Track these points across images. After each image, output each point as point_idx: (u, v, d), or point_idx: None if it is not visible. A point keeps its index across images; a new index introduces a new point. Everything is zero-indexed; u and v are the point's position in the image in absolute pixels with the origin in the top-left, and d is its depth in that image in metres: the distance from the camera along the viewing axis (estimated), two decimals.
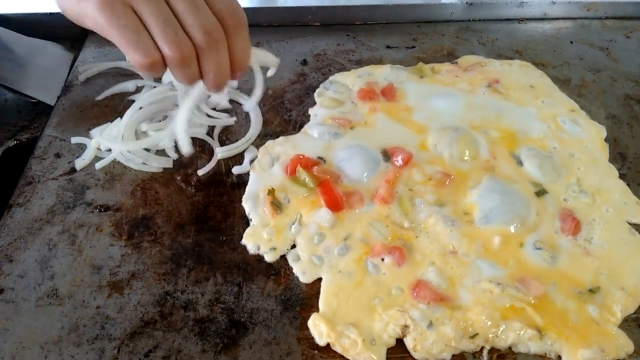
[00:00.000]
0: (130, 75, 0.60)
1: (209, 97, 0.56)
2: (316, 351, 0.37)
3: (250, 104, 0.54)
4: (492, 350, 0.37)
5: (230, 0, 0.40)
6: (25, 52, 0.62)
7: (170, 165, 0.51)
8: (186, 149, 0.43)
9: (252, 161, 0.51)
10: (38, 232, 0.44)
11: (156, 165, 0.50)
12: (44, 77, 0.60)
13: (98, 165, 0.50)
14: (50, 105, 0.57)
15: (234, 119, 0.56)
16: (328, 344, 0.37)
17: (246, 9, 0.77)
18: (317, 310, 0.39)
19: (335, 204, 0.46)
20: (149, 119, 0.54)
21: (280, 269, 0.42)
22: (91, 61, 0.63)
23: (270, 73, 0.47)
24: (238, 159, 0.52)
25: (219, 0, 0.39)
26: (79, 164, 0.50)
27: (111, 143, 0.51)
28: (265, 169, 0.50)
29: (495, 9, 0.73)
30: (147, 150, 0.52)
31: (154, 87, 0.58)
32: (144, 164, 0.50)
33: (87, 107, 0.57)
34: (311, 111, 0.57)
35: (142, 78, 0.59)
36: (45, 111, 0.57)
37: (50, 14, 0.66)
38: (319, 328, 0.38)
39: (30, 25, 0.65)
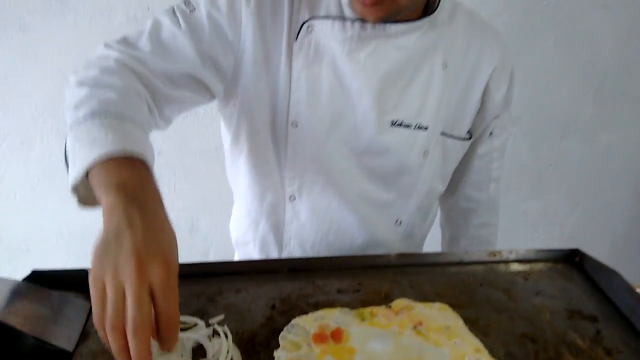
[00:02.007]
0: None
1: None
2: None
3: None
4: None
5: (174, 312, 0.57)
6: (53, 304, 0.80)
7: None
8: None
9: None
10: None
11: None
12: (67, 327, 0.76)
13: None
14: (69, 352, 0.73)
15: None
16: None
17: (229, 262, 0.97)
18: None
19: None
20: None
21: None
22: None
23: None
24: None
25: (165, 305, 0.56)
26: None
27: None
28: None
29: (422, 257, 0.94)
30: None
31: None
32: None
33: (99, 354, 0.72)
34: (275, 354, 0.73)
35: None
36: (65, 356, 0.72)
37: (75, 270, 0.85)
38: None
39: (59, 279, 0.84)
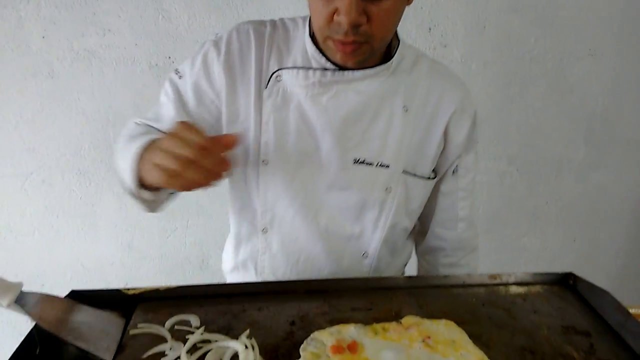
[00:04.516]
0: (166, 340, 0.84)
1: None
2: None
3: None
4: None
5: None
6: (92, 319, 0.87)
7: None
8: None
9: None
10: None
11: None
12: (105, 339, 0.84)
13: None
14: None
15: None
16: None
17: (251, 284, 1.05)
18: None
19: None
20: None
21: None
22: (139, 326, 0.88)
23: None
24: None
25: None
26: None
27: None
28: None
29: (428, 280, 1.02)
30: None
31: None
32: None
33: None
34: None
35: (175, 341, 0.83)
36: None
37: (112, 290, 0.93)
38: None
39: (97, 299, 0.92)
